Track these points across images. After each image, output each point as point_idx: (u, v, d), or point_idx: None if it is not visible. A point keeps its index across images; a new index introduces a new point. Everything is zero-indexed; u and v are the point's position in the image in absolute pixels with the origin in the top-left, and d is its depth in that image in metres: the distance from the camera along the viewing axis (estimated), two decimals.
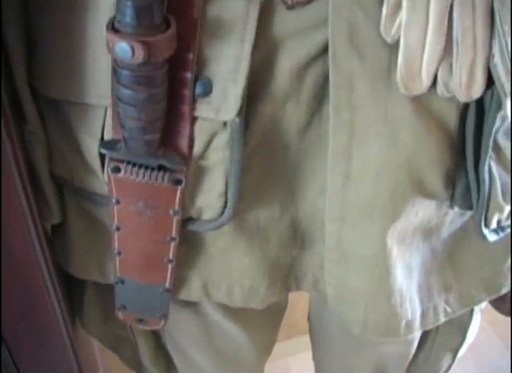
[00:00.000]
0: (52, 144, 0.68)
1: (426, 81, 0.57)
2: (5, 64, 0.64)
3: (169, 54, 0.53)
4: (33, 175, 0.70)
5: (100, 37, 0.56)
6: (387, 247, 0.66)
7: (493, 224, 0.67)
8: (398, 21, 0.54)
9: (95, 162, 0.64)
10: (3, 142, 0.64)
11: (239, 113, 0.57)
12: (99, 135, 0.62)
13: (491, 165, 0.63)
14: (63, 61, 0.61)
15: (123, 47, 0.51)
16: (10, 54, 0.63)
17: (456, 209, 0.67)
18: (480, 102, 0.61)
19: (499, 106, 0.60)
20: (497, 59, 0.57)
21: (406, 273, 0.70)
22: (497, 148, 0.63)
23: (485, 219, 0.66)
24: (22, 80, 0.64)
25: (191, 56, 0.55)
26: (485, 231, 0.66)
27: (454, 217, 0.69)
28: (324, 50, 0.56)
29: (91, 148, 0.64)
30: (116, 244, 0.68)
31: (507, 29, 0.55)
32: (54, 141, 0.68)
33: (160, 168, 0.61)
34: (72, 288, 0.85)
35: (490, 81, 0.59)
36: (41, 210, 0.72)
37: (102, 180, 0.65)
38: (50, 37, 0.61)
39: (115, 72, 0.55)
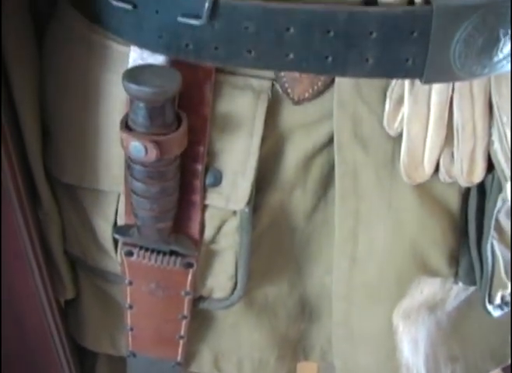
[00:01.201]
0: (66, 224, 0.70)
1: (428, 169, 0.59)
2: (20, 145, 0.67)
3: (180, 150, 0.55)
4: (48, 252, 0.72)
5: (113, 128, 0.58)
6: (393, 325, 0.67)
7: (497, 300, 0.68)
8: (400, 115, 0.56)
9: (108, 243, 0.66)
10: (18, 222, 0.66)
11: (248, 203, 0.59)
12: (112, 219, 0.64)
13: (493, 244, 0.65)
14: (76, 148, 0.63)
15: (136, 146, 0.54)
16: (25, 136, 0.65)
17: (460, 284, 0.69)
18: (481, 185, 0.62)
19: (500, 189, 0.62)
20: (497, 146, 0.59)
21: (412, 347, 0.71)
22: (499, 227, 0.65)
23: (489, 296, 0.67)
24: (37, 162, 0.67)
25: (201, 149, 0.58)
26: (490, 307, 0.68)
27: (458, 292, 0.71)
28: (330, 141, 0.58)
29: (104, 231, 0.66)
30: (128, 321, 0.70)
31: (505, 119, 0.58)
32: (68, 221, 0.70)
33: (172, 252, 0.63)
34: (84, 358, 0.86)
35: (490, 166, 0.61)
36: (55, 286, 0.74)
37: (115, 260, 0.67)
38: (64, 124, 0.64)
39: (129, 166, 0.57)
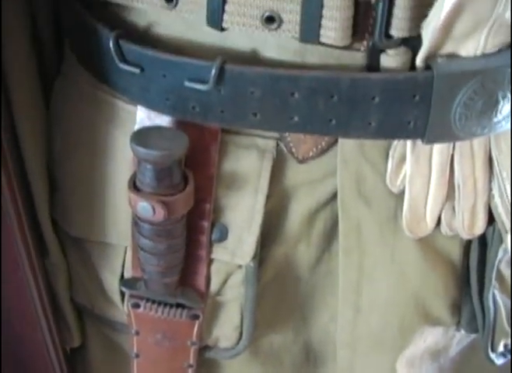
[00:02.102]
0: (73, 274, 0.71)
1: (430, 224, 0.60)
2: (28, 196, 0.68)
3: (187, 209, 0.57)
4: (55, 300, 0.73)
5: (120, 184, 0.60)
6: (397, 372, 0.68)
7: (500, 348, 0.69)
8: (402, 173, 0.57)
9: (115, 295, 0.67)
10: (25, 271, 0.67)
11: (253, 258, 0.60)
12: (119, 272, 0.65)
13: (495, 294, 0.66)
14: (84, 203, 0.64)
15: (144, 206, 0.55)
16: (32, 187, 0.67)
17: (463, 332, 0.70)
18: (482, 237, 0.64)
19: (501, 240, 0.63)
20: (497, 199, 0.61)
21: None
22: (500, 277, 0.66)
23: (492, 344, 0.68)
24: (45, 214, 0.68)
25: (207, 206, 0.59)
26: (492, 355, 0.69)
27: (461, 338, 0.72)
28: (333, 196, 0.60)
29: (111, 283, 0.67)
30: (135, 369, 0.71)
31: (505, 174, 0.59)
32: (75, 271, 0.71)
33: (179, 305, 0.64)
34: None
35: (491, 218, 0.62)
36: (62, 333, 0.75)
37: (122, 310, 0.68)
38: (71, 179, 0.65)
39: (136, 224, 0.58)
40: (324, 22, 0.49)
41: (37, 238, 0.69)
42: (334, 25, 0.48)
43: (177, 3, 0.52)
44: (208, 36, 0.53)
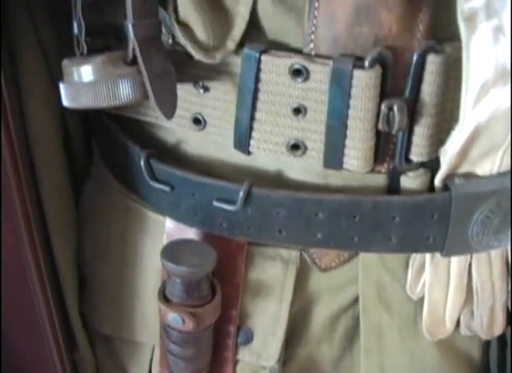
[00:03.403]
0: (101, 368, 0.73)
1: (449, 326, 0.62)
2: (58, 293, 0.70)
3: (215, 318, 0.59)
4: None
5: (148, 288, 0.62)
6: None
7: None
8: (422, 281, 0.60)
9: None
10: (55, 364, 0.69)
11: (278, 360, 0.62)
12: (146, 368, 0.68)
13: None
14: (114, 303, 0.67)
15: (174, 317, 0.57)
16: (62, 284, 0.68)
17: None
18: (502, 336, 0.65)
19: None
20: None
21: None
22: None
23: None
24: (74, 309, 0.70)
25: (234, 312, 0.61)
26: None
27: None
28: (355, 301, 0.62)
29: None
30: None
31: None
32: (103, 365, 0.73)
33: None
34: None
35: (510, 317, 0.64)
36: None
37: None
38: (101, 280, 0.68)
39: (165, 330, 0.60)
40: (347, 151, 0.51)
41: (67, 332, 0.71)
42: (356, 154, 0.51)
43: (205, 125, 0.55)
44: (235, 156, 0.55)
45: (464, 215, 0.54)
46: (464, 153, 0.52)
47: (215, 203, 0.55)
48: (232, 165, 0.56)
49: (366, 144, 0.50)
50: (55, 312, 0.68)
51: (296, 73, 0.50)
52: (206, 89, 0.54)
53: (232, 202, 0.54)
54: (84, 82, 0.48)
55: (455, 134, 0.51)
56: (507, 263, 0.61)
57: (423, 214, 0.54)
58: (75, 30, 0.49)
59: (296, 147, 0.52)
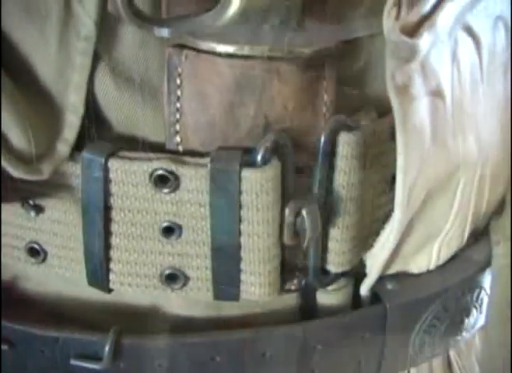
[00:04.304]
0: None
1: None
2: None
3: None
4: None
5: None
6: None
7: None
8: None
9: None
10: None
11: None
12: None
13: None
14: None
15: None
16: None
17: None
18: None
19: None
20: None
21: None
22: None
23: None
24: None
25: None
26: None
27: None
28: None
29: None
30: None
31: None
32: None
33: None
34: None
35: None
36: None
37: None
38: None
39: None
40: (244, 277, 0.38)
41: None
42: (257, 280, 0.38)
43: (45, 257, 0.40)
44: (93, 293, 0.41)
45: (403, 329, 0.43)
46: (396, 249, 0.40)
47: (74, 362, 0.40)
48: (90, 302, 0.42)
49: (268, 266, 0.37)
50: None
51: (161, 181, 0.36)
52: (40, 210, 0.39)
53: (96, 358, 0.40)
54: None
55: (387, 231, 0.38)
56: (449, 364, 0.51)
57: (351, 337, 0.42)
58: None
59: (172, 277, 0.38)
